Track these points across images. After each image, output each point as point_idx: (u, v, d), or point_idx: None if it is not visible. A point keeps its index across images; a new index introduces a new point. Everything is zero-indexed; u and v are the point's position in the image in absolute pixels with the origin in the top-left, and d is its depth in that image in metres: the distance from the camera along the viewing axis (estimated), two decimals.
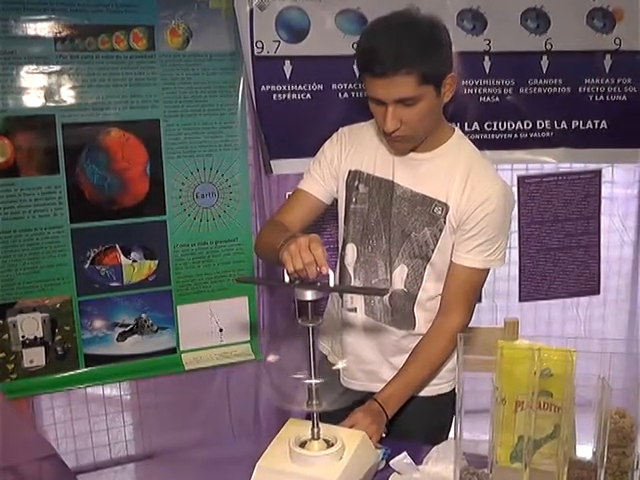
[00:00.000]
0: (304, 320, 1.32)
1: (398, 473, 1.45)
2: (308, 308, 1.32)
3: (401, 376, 1.63)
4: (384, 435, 1.56)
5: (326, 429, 1.41)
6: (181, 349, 2.29)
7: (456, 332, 1.53)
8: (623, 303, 2.59)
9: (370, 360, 1.73)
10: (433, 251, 1.60)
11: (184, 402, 2.27)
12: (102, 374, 2.20)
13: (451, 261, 1.61)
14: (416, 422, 1.68)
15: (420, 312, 1.67)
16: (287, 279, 1.34)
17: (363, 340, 1.72)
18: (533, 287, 2.49)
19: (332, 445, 1.38)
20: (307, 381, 1.35)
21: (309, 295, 1.31)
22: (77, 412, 2.27)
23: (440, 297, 1.65)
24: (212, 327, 2.30)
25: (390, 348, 1.71)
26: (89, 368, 2.18)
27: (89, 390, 2.25)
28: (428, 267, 1.62)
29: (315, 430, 1.38)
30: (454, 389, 1.74)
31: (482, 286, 1.68)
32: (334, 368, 1.49)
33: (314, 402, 1.36)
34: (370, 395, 1.64)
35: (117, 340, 2.21)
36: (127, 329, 2.22)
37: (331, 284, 1.31)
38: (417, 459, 1.45)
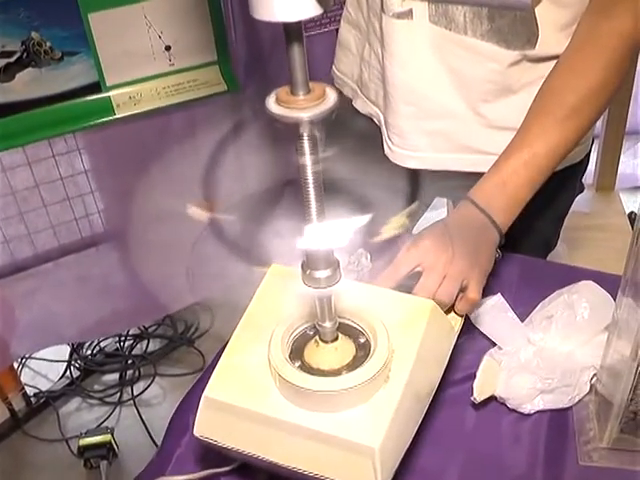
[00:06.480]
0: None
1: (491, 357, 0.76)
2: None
3: (522, 140, 0.80)
4: (497, 256, 0.81)
5: (350, 300, 0.63)
6: (107, 84, 1.46)
7: (625, 48, 0.78)
8: None
9: (443, 110, 0.90)
10: None
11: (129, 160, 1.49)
12: None
13: None
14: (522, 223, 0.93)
15: (551, 9, 0.80)
16: None
17: (428, 70, 0.88)
18: None
19: (365, 347, 0.63)
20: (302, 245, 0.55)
21: None
22: None
23: None
24: (153, 43, 1.45)
25: (483, 87, 0.87)
26: None
27: None
28: None
29: (326, 312, 0.60)
30: (587, 156, 0.98)
31: None
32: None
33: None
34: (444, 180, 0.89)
35: (0, 80, 1.40)
36: (12, 60, 1.39)
37: None
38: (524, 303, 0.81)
